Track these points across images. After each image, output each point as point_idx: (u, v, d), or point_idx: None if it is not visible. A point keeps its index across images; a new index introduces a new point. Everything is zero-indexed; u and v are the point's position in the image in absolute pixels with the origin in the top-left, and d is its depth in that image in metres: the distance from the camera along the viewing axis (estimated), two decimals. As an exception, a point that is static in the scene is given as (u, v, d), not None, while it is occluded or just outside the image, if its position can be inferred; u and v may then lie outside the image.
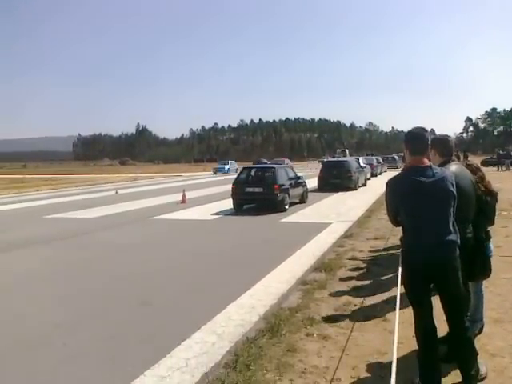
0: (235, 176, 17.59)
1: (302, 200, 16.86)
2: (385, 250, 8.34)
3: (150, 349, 4.33)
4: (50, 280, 7.22)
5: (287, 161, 46.61)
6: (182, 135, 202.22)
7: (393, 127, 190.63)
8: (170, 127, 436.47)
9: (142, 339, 4.60)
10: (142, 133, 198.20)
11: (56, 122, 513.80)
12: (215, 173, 53.02)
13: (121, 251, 9.33)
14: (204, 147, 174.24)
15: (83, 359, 4.19)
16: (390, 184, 3.34)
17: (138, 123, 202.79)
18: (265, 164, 30.17)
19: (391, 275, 6.27)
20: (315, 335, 4.51)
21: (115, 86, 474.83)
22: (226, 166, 55.90)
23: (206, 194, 22.29)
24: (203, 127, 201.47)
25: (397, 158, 47.31)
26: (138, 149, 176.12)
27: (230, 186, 15.95)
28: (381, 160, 40.79)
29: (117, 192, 25.08)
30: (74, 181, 42.15)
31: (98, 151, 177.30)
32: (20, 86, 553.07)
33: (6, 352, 4.42)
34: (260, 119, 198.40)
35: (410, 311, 3.41)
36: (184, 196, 18.51)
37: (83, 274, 7.52)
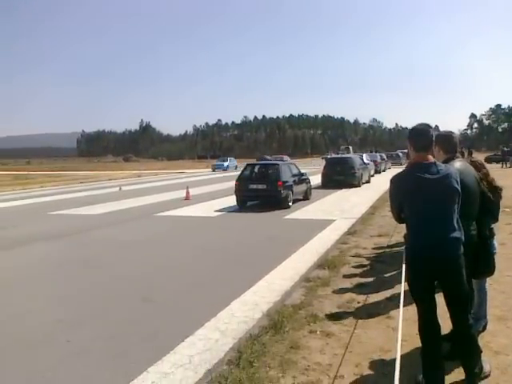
0: (238, 173, 17.58)
1: (306, 197, 16.84)
2: (388, 247, 8.32)
3: (154, 345, 4.33)
4: (52, 277, 7.24)
5: (286, 157, 46.41)
6: (186, 132, 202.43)
7: (396, 124, 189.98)
8: (174, 124, 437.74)
9: (145, 336, 4.61)
10: (146, 129, 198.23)
11: (60, 119, 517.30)
12: (214, 170, 52.60)
13: (124, 248, 9.34)
14: (208, 144, 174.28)
15: (86, 356, 4.19)
16: (394, 181, 3.33)
17: (142, 120, 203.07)
18: (268, 161, 30.11)
19: (394, 272, 6.27)
20: (318, 332, 4.51)
21: (117, 84, 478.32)
22: (225, 163, 55.55)
23: (210, 191, 22.29)
24: (207, 124, 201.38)
25: (401, 154, 47.19)
26: (142, 145, 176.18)
27: (233, 183, 15.96)
28: (385, 157, 40.63)
29: (120, 188, 25.13)
30: (77, 177, 42.25)
31: (102, 148, 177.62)
32: (21, 84, 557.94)
33: (6, 349, 4.43)
34: (263, 116, 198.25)
35: (413, 308, 3.40)
36: (188, 193, 18.55)
37: (86, 271, 7.53)
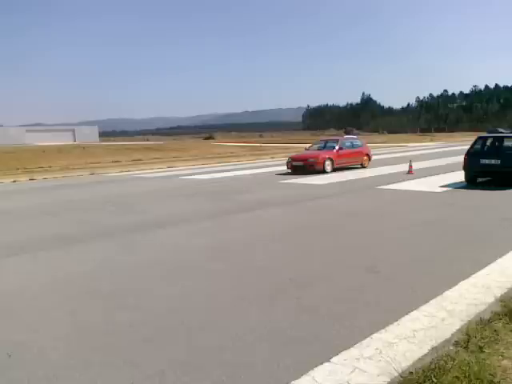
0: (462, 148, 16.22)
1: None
2: None
3: (377, 314, 4.43)
4: (283, 239, 7.92)
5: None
6: (408, 104, 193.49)
7: None
8: (395, 96, 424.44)
9: (369, 303, 4.75)
10: (367, 102, 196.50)
11: (287, 95, 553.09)
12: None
13: (350, 217, 9.69)
14: (431, 116, 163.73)
15: (315, 314, 4.53)
16: None
17: (363, 93, 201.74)
18: (501, 133, 26.86)
19: None
20: None
21: (342, 57, 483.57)
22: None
23: (434, 165, 21.17)
24: (431, 95, 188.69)
25: None
26: (363, 118, 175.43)
27: (460, 158, 14.85)
28: None
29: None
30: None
31: (325, 121, 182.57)
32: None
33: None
34: (496, 84, 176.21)
35: None
36: (411, 166, 18.03)
37: (316, 236, 8.05)
